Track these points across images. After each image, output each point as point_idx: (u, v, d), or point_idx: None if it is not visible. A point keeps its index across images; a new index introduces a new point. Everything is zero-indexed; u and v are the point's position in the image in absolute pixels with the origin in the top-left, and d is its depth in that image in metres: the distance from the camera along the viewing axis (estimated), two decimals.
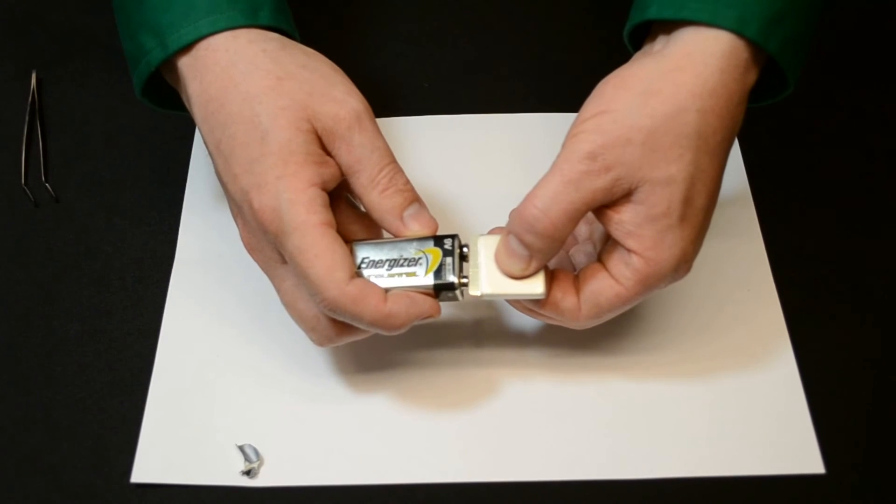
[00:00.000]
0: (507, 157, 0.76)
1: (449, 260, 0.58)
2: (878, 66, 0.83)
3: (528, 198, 0.57)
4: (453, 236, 0.59)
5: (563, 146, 0.57)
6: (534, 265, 0.58)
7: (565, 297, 0.59)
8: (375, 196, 0.59)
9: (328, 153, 0.59)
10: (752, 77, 0.59)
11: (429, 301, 0.58)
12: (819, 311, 0.68)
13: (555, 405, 0.64)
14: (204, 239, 0.72)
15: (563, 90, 0.80)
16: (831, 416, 0.63)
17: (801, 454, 0.62)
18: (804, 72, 0.62)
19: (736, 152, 0.75)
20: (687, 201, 0.56)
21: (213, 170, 0.75)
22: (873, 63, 0.83)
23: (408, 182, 0.60)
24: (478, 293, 0.58)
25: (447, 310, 0.68)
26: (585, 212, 0.56)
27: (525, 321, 0.66)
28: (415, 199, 0.60)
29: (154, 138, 0.78)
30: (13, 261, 0.71)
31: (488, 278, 0.58)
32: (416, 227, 0.59)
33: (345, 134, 0.59)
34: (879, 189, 0.75)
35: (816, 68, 0.69)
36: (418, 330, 0.67)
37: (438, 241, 0.59)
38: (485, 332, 0.67)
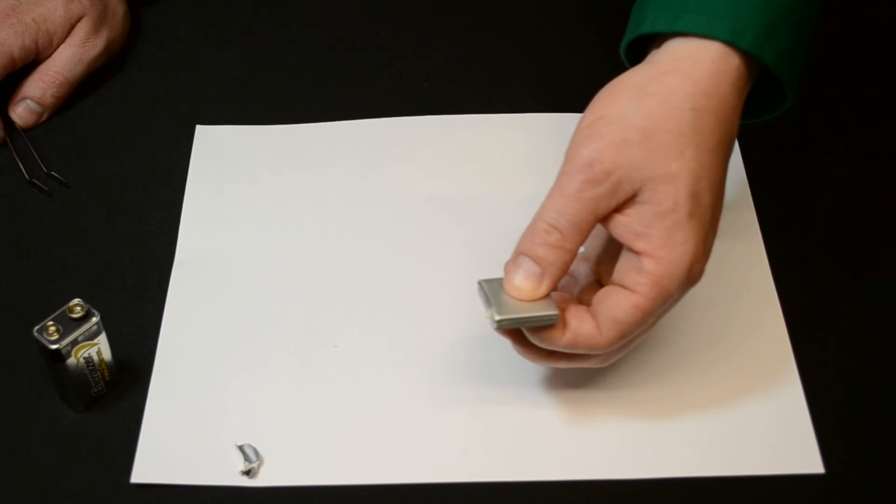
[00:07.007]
0: (507, 157, 0.76)
1: None
2: (878, 66, 0.83)
3: (536, 216, 0.57)
4: None
5: (564, 157, 0.57)
6: (545, 282, 0.57)
7: (581, 323, 0.57)
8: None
9: None
10: (747, 84, 0.59)
11: None
12: (819, 312, 0.68)
13: (554, 405, 0.64)
14: (204, 239, 0.72)
15: (564, 90, 0.80)
16: (831, 416, 0.63)
17: (801, 454, 0.62)
18: (804, 72, 0.62)
19: (736, 154, 0.75)
20: (693, 197, 0.56)
21: (212, 170, 0.76)
22: (873, 64, 0.83)
23: None
24: (493, 323, 0.57)
25: (448, 312, 0.68)
26: (594, 221, 0.56)
27: None
28: None
29: (154, 138, 0.78)
30: (13, 261, 0.71)
31: (499, 307, 0.57)
32: None
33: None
34: (879, 190, 0.75)
35: (816, 69, 0.69)
36: (418, 331, 0.67)
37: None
38: (484, 332, 0.67)
